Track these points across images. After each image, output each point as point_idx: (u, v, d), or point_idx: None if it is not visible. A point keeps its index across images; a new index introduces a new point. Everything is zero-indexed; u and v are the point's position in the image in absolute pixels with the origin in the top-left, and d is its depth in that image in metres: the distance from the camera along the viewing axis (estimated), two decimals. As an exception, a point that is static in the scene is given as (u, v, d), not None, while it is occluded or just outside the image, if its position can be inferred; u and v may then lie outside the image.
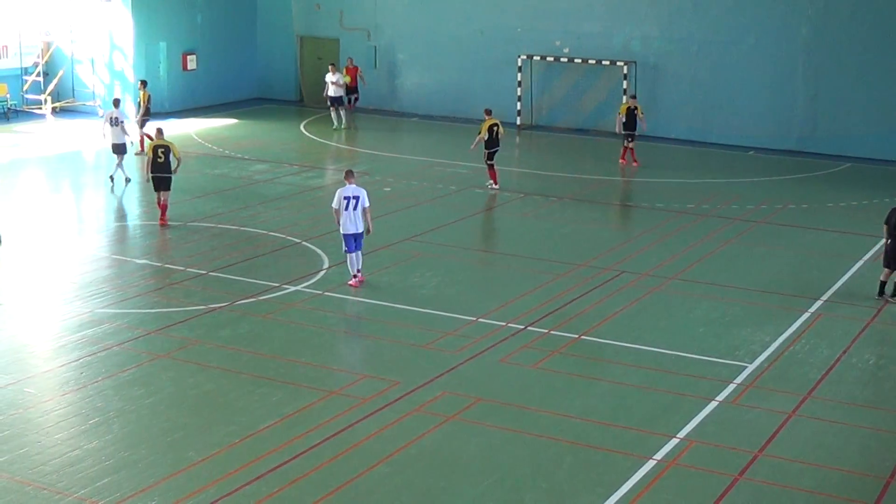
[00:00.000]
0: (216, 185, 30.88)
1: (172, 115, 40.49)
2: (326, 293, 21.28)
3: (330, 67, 39.41)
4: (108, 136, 30.59)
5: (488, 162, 30.33)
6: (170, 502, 13.27)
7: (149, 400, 16.41)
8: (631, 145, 33.83)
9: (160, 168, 25.93)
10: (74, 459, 14.43)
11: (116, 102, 31.27)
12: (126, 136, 30.57)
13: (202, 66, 43.61)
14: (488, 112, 30.72)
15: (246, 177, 31.88)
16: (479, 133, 30.21)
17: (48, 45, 41.76)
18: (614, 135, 35.38)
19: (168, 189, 26.13)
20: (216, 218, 26.64)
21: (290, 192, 29.95)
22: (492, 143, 30.07)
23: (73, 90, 41.57)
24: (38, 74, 41.14)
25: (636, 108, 33.69)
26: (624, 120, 33.58)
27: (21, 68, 41.35)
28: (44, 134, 37.76)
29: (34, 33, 41.60)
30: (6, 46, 41.18)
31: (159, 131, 26.80)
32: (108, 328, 19.28)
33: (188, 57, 43.28)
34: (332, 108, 39.23)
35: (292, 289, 21.45)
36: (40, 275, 22.55)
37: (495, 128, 30.07)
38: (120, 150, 30.32)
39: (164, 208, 26.16)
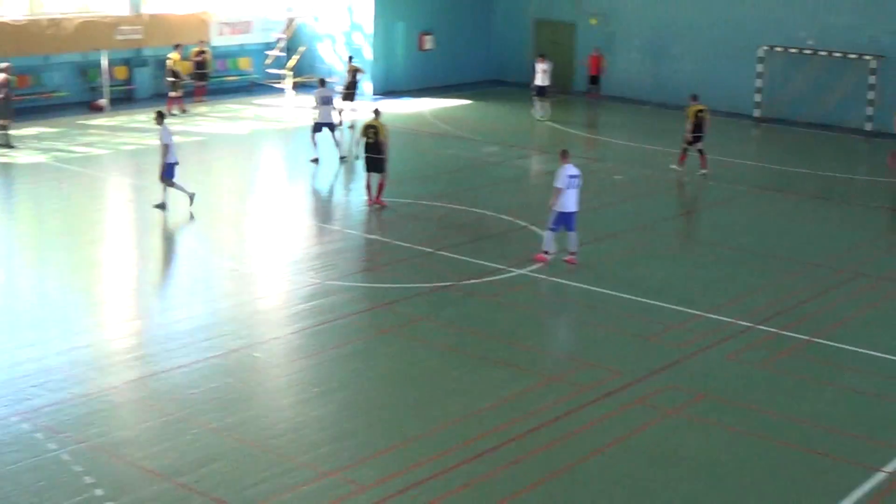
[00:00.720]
0: (447, 164, 31.13)
1: (407, 94, 41.04)
2: (551, 278, 21.16)
3: (539, 58, 38.88)
4: (322, 115, 30.30)
5: (687, 146, 29.75)
6: (386, 475, 13.40)
7: (371, 373, 16.64)
8: None
9: (369, 149, 25.56)
10: (298, 426, 14.74)
11: (322, 82, 31.25)
12: (334, 112, 30.66)
13: (438, 47, 44.04)
14: (694, 97, 30.17)
15: (477, 158, 32.04)
16: (687, 119, 29.70)
17: (291, 22, 42.84)
18: (864, 132, 34.00)
19: (379, 171, 25.62)
20: (445, 197, 26.82)
21: (519, 175, 29.95)
22: (696, 128, 29.50)
23: (313, 66, 42.51)
24: (281, 50, 42.23)
25: None
26: None
27: (264, 44, 42.55)
28: (282, 107, 38.80)
29: (278, 10, 42.71)
30: (251, 22, 42.41)
31: (376, 112, 26.26)
32: (336, 300, 19.63)
33: (425, 37, 43.78)
34: (536, 98, 38.73)
35: (517, 272, 21.40)
36: (273, 244, 23.17)
37: (700, 113, 29.46)
38: (330, 127, 30.50)
39: (378, 189, 25.69)
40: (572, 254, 21.74)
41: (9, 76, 31.17)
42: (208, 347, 17.14)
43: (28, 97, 36.61)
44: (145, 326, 18.23)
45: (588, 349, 18.26)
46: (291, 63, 41.50)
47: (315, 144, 30.17)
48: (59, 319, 18.35)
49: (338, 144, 30.63)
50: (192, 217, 24.27)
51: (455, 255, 22.24)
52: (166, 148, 24.38)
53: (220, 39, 41.16)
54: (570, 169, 21.37)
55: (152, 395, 15.44)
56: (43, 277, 21.01)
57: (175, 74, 37.01)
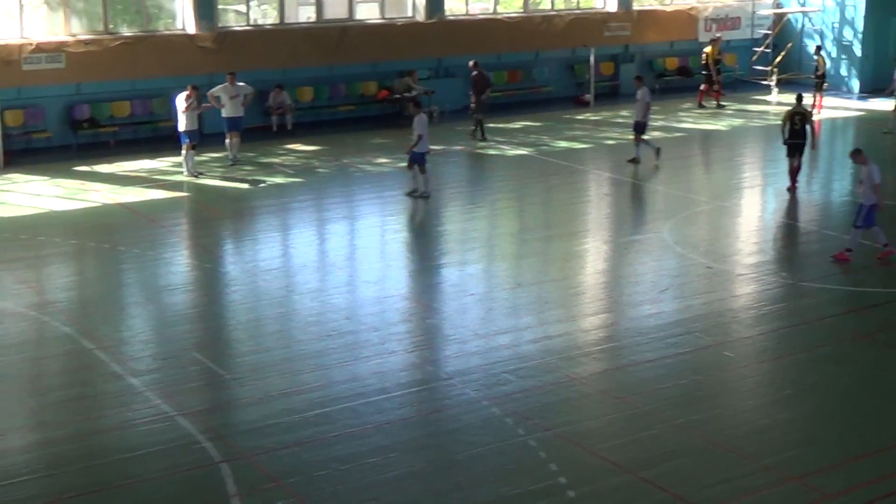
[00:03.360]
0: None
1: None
2: None
3: None
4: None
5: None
6: (853, 484, 12.84)
7: (845, 378, 16.02)
8: None
9: (795, 135, 25.85)
10: (763, 427, 14.43)
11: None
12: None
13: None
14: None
15: (973, 159, 30.13)
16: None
17: (780, 18, 41.92)
18: None
19: (800, 154, 26.05)
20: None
21: None
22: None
23: (800, 63, 41.36)
24: (767, 46, 41.42)
25: None
26: None
27: (751, 39, 41.91)
28: (767, 105, 38.10)
29: (766, 5, 41.95)
30: (739, 18, 41.92)
31: (800, 97, 26.71)
32: (810, 302, 19.07)
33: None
34: None
35: None
36: (748, 243, 22.85)
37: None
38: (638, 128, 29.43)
39: (793, 173, 26.06)
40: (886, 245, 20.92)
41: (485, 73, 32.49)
42: (677, 343, 17.11)
43: (518, 92, 38.12)
44: (616, 319, 18.44)
45: None
46: (778, 59, 40.60)
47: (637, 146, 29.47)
48: (534, 309, 18.92)
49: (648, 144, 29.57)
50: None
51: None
52: (419, 137, 25.13)
53: (706, 36, 40.94)
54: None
55: (619, 388, 15.60)
56: (521, 267, 21.74)
57: (708, 68, 37.87)
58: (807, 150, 26.48)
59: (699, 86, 38.60)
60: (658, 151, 29.00)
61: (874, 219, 20.73)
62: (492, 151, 31.19)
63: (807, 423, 14.66)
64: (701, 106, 37.72)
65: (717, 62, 38.14)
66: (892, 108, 33.54)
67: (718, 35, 39.87)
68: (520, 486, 12.88)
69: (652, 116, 30.61)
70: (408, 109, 34.17)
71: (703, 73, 38.27)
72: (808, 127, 26.06)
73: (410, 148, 25.50)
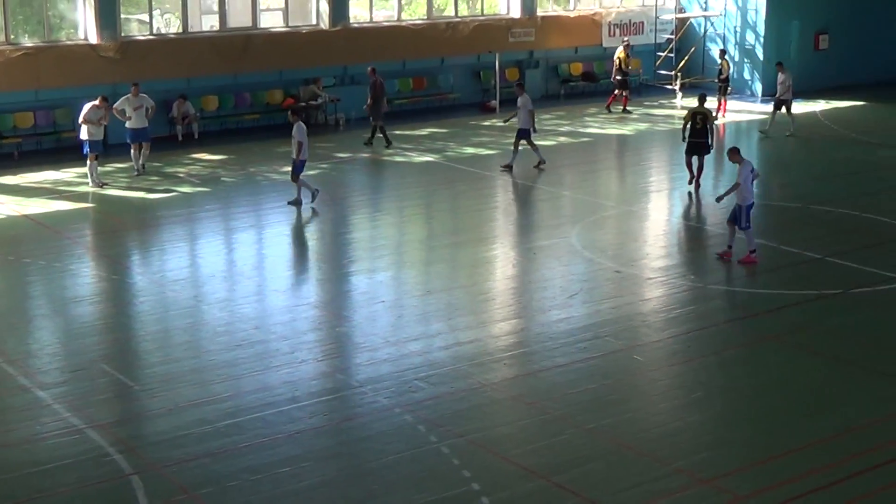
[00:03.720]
0: (839, 167, 30.07)
1: (798, 96, 39.64)
2: (950, 289, 19.97)
3: None
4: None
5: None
6: (762, 486, 13.00)
7: (752, 381, 16.20)
8: None
9: (696, 133, 26.76)
10: (674, 430, 14.55)
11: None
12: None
13: (833, 46, 42.46)
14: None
15: (872, 161, 30.72)
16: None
17: (682, 22, 42.44)
18: None
19: (702, 154, 26.93)
20: (836, 202, 25.82)
21: (919, 180, 28.46)
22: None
23: (703, 67, 41.87)
24: (671, 51, 41.87)
25: None
26: None
27: (655, 44, 42.37)
28: (671, 109, 38.53)
29: (669, 10, 42.43)
30: (643, 23, 42.38)
31: (702, 98, 27.50)
32: (717, 304, 19.31)
33: (820, 37, 42.30)
34: None
35: (913, 281, 20.35)
36: (654, 247, 23.04)
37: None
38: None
39: (698, 170, 27.01)
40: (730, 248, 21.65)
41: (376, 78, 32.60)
42: (587, 348, 17.20)
43: (424, 98, 38.18)
44: (526, 325, 18.49)
45: None
46: (681, 64, 41.09)
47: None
48: (444, 315, 18.90)
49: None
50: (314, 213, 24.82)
51: (845, 262, 21.33)
52: (300, 146, 25.08)
53: (610, 41, 41.36)
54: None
55: (530, 393, 15.64)
56: (430, 274, 21.73)
57: (623, 72, 38.10)
58: (713, 152, 26.88)
59: (607, 91, 38.99)
60: (541, 163, 29.24)
61: (744, 220, 21.18)
62: (398, 158, 31.16)
63: (717, 425, 14.81)
64: (609, 110, 38.06)
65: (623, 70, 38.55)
66: (781, 111, 34.04)
67: (626, 40, 40.21)
68: (433, 493, 12.84)
69: (557, 122, 30.82)
70: (313, 117, 34.20)
71: (618, 78, 38.43)
72: (709, 127, 26.70)
73: (296, 159, 25.40)
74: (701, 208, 26.06)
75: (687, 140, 26.86)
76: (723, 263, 21.36)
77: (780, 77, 34.05)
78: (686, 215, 25.82)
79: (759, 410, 15.27)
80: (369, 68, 32.96)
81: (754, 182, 21.57)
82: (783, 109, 33.74)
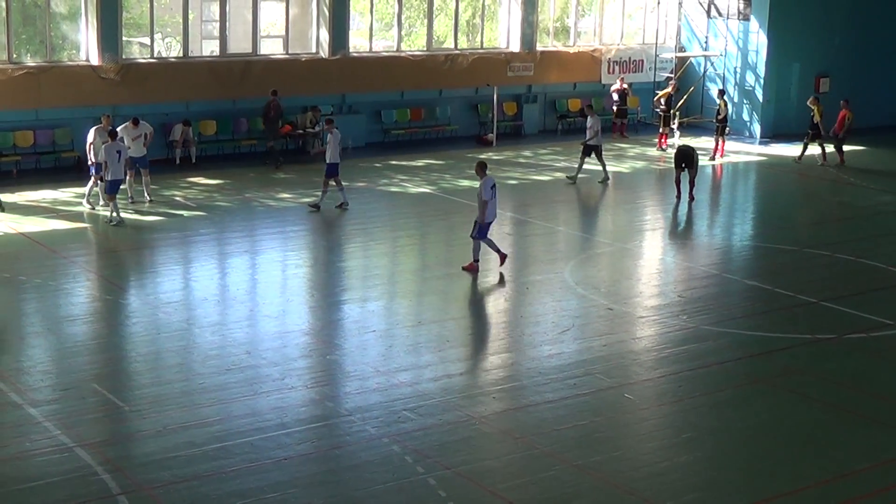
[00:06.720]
0: (836, 212, 30.10)
1: (798, 139, 39.65)
2: (943, 337, 19.93)
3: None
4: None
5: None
6: (752, 530, 12.96)
7: (743, 423, 16.13)
8: None
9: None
10: (663, 470, 14.48)
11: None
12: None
13: (835, 89, 42.53)
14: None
15: (869, 207, 30.73)
16: None
17: (682, 61, 42.55)
18: None
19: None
20: (832, 246, 25.82)
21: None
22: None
23: (702, 107, 41.96)
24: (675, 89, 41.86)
25: None
26: None
27: (654, 83, 42.47)
28: (669, 147, 38.57)
29: (669, 49, 42.54)
30: (642, 61, 42.50)
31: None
32: (710, 345, 19.23)
33: (821, 80, 42.39)
34: None
35: (907, 328, 20.30)
36: (648, 285, 23.00)
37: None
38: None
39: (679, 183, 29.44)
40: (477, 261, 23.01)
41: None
42: (578, 385, 17.15)
43: (421, 130, 38.24)
44: (517, 359, 18.42)
45: (980, 415, 17.03)
46: (680, 104, 41.15)
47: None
48: (435, 347, 18.84)
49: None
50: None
51: (839, 307, 21.30)
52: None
53: (609, 78, 41.47)
54: (492, 180, 22.98)
55: (519, 428, 15.57)
56: (422, 305, 21.69)
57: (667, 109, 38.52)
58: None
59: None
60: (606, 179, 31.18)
61: (486, 232, 22.94)
62: (393, 189, 31.15)
63: (706, 466, 14.74)
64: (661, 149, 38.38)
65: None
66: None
67: (670, 76, 40.48)
68: (419, 526, 12.78)
69: (553, 157, 30.95)
70: (310, 145, 34.34)
71: (661, 113, 38.76)
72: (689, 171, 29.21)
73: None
74: (694, 249, 26.04)
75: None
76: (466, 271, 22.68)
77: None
78: (682, 255, 25.77)
79: (750, 453, 15.19)
80: (271, 90, 33.56)
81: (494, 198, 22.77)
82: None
